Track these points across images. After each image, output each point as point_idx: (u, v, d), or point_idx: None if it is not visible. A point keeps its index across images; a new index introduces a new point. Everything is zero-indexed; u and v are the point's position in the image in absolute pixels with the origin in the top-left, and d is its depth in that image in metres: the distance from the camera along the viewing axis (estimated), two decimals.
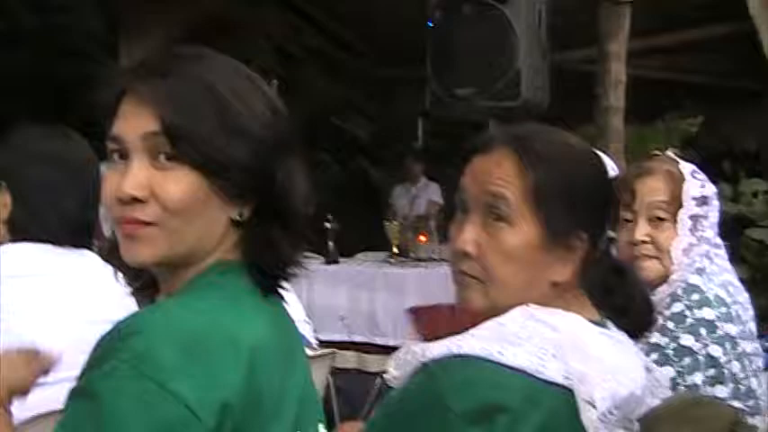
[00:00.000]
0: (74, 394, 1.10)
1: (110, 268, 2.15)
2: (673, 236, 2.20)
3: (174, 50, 1.28)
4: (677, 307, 2.13)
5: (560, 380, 1.34)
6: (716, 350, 2.08)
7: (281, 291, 1.31)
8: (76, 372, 1.12)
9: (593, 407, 1.34)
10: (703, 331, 2.08)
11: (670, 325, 2.10)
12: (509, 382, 1.32)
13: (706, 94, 9.72)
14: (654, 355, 2.07)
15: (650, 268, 2.21)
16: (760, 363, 2.17)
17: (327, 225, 6.40)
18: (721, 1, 6.85)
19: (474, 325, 1.43)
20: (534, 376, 1.33)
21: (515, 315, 1.40)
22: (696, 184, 2.22)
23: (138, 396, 1.04)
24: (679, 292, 2.14)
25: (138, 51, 6.39)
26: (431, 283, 5.73)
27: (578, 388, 1.34)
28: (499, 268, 1.42)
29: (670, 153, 2.35)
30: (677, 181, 2.21)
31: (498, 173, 1.43)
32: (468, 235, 1.44)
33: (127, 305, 2.11)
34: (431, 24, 4.71)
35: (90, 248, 2.18)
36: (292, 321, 1.37)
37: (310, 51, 8.83)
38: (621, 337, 1.51)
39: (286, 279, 1.29)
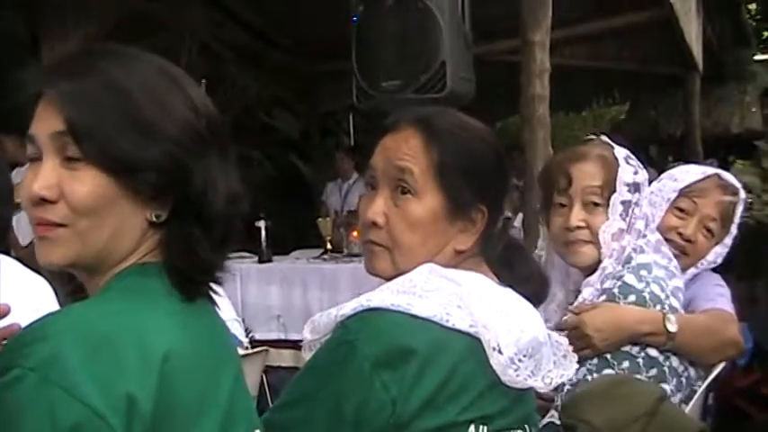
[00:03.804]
0: None
1: (28, 273, 2.11)
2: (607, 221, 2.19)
3: (87, 49, 1.26)
4: None
5: (466, 328, 1.44)
6: (653, 350, 2.10)
7: (209, 293, 1.28)
8: None
9: (500, 352, 1.44)
10: None
11: None
12: (418, 329, 1.41)
13: (631, 80, 9.89)
14: (594, 359, 2.08)
15: (586, 253, 2.20)
16: None
17: (260, 223, 6.36)
18: None
19: None
20: (441, 324, 1.42)
21: (422, 271, 1.50)
22: (629, 170, 2.20)
23: (45, 404, 1.01)
24: (615, 291, 2.12)
25: (60, 52, 6.27)
26: (365, 279, 5.71)
27: (483, 335, 1.44)
28: (405, 236, 1.55)
29: (605, 138, 2.34)
30: (611, 166, 2.19)
31: (405, 149, 1.56)
32: (377, 207, 1.57)
33: (46, 309, 2.07)
34: (355, 19, 4.69)
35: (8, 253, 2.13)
36: (223, 325, 1.33)
37: (235, 48, 8.76)
38: (520, 297, 1.60)
39: (208, 282, 1.26)
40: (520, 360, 1.47)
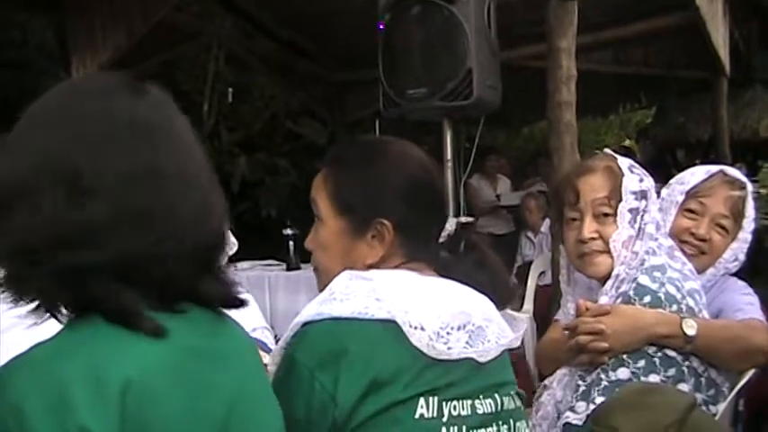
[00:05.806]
0: None
1: None
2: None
3: None
4: None
5: (385, 315, 1.56)
6: (671, 350, 2.11)
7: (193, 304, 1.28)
8: None
9: (422, 329, 1.56)
10: None
11: None
12: (345, 329, 1.56)
13: (658, 85, 9.83)
14: (612, 358, 2.11)
15: (601, 263, 2.25)
16: None
17: (287, 231, 6.38)
18: None
19: None
20: (363, 319, 1.56)
21: (340, 278, 1.66)
22: (634, 178, 2.25)
23: None
24: (631, 293, 2.16)
25: (89, 62, 6.33)
26: None
27: (402, 318, 1.55)
28: (321, 257, 1.80)
29: (608, 150, 2.40)
30: (616, 176, 2.25)
31: (315, 185, 1.80)
32: (309, 236, 1.83)
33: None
34: (381, 27, 4.70)
35: None
36: (224, 334, 1.34)
37: (263, 58, 8.79)
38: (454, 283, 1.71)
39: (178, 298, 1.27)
40: (448, 333, 1.59)
